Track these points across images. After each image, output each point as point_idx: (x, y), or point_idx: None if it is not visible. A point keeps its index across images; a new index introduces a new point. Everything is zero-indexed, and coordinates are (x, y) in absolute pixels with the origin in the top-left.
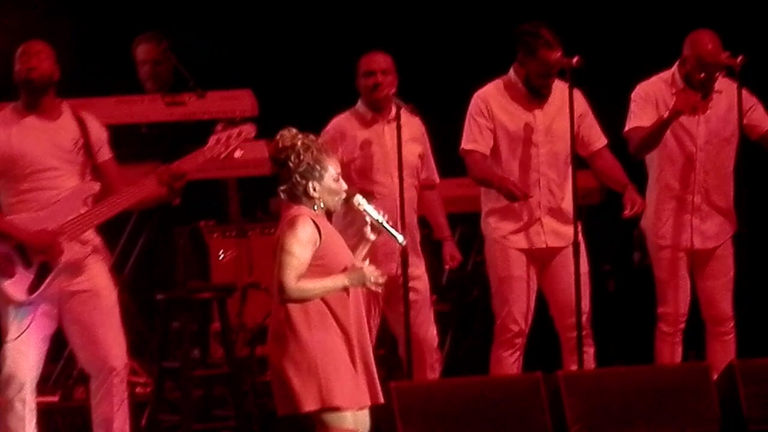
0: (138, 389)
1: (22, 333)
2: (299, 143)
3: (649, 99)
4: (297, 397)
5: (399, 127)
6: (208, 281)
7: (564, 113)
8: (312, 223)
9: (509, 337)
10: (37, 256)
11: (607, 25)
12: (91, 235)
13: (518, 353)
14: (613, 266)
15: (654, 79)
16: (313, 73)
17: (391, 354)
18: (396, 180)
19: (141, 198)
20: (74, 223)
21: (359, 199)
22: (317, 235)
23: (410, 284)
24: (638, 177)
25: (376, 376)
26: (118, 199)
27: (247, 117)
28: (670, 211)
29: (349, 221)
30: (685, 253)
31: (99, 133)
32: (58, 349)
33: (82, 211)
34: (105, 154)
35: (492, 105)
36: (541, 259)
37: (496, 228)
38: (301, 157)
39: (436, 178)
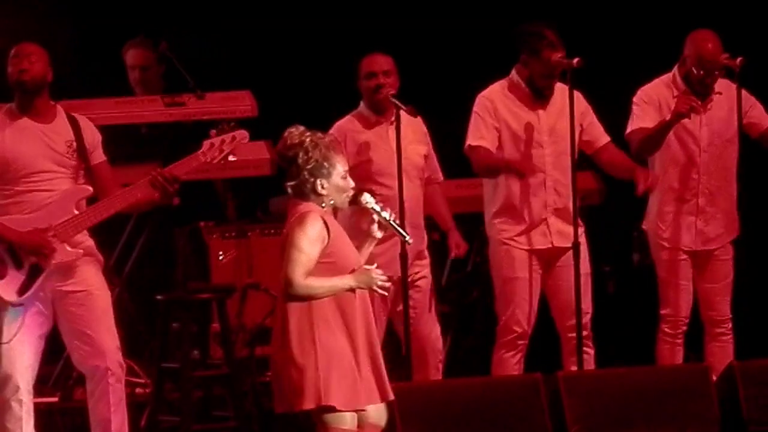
0: (138, 390)
1: (14, 336)
2: (308, 140)
3: (651, 101)
4: (294, 395)
5: (398, 129)
6: (207, 282)
7: (566, 114)
8: (321, 220)
9: (512, 338)
10: (28, 258)
11: (608, 26)
12: (83, 238)
13: (520, 355)
14: (612, 267)
15: (655, 82)
16: (313, 73)
17: (395, 353)
18: (403, 181)
19: (133, 201)
20: (66, 226)
21: (367, 197)
22: (326, 233)
23: (416, 283)
24: None
25: (384, 374)
26: (110, 202)
27: (246, 118)
28: (673, 213)
29: (354, 222)
30: (688, 255)
31: (93, 136)
32: (57, 350)
33: (74, 214)
34: (98, 156)
35: (497, 105)
36: (546, 259)
37: (502, 230)
38: (310, 154)
39: (440, 176)
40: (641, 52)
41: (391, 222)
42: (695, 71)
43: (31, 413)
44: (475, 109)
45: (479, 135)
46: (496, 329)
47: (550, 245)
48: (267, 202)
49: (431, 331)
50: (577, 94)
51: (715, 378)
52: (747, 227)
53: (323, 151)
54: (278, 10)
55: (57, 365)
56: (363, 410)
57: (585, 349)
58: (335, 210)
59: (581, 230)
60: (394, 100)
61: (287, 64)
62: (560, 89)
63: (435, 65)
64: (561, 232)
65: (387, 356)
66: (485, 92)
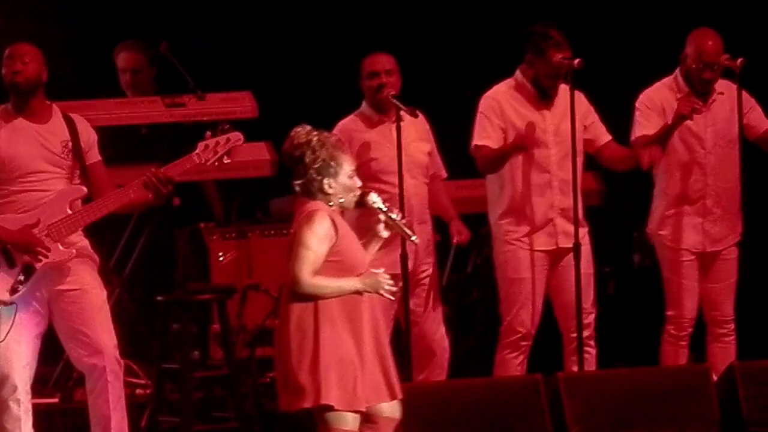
0: (138, 390)
1: (6, 335)
2: (314, 140)
3: (653, 106)
4: (294, 394)
5: (399, 129)
6: (207, 283)
7: (569, 114)
8: (329, 218)
9: (515, 339)
10: (21, 257)
11: (609, 26)
12: (78, 238)
13: (523, 356)
14: (613, 268)
15: (657, 85)
16: (313, 74)
17: (403, 352)
18: (406, 180)
19: (126, 202)
20: (59, 225)
21: (373, 197)
22: (333, 231)
23: (422, 281)
24: (640, 178)
25: (394, 372)
26: (103, 202)
27: (247, 119)
28: (680, 215)
29: (361, 220)
30: (695, 256)
31: (88, 136)
32: (57, 351)
33: (68, 214)
34: (94, 156)
35: (503, 105)
36: (551, 259)
37: (508, 231)
38: (317, 153)
39: (444, 173)
40: (643, 52)
41: (398, 222)
42: (695, 68)
43: (30, 413)
44: (480, 109)
45: (485, 135)
46: (500, 329)
47: (555, 246)
48: (267, 203)
49: (437, 329)
50: (579, 94)
51: (716, 379)
52: (747, 228)
53: (330, 151)
54: (278, 10)
55: (57, 366)
56: (363, 411)
57: (587, 349)
58: (342, 209)
59: (585, 230)
60: (394, 100)
61: (287, 65)
62: (564, 90)
63: (436, 65)
64: (567, 233)
65: (395, 355)
66: (490, 92)
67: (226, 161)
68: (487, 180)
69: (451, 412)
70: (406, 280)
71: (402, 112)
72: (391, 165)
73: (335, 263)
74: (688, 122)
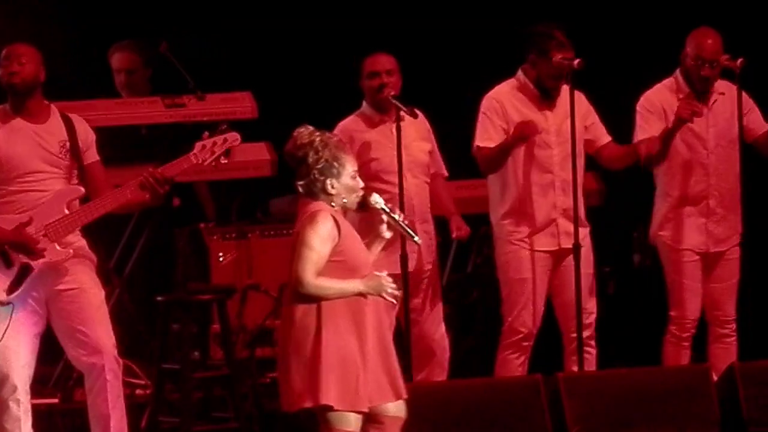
0: (138, 391)
1: (3, 335)
2: (317, 140)
3: (654, 109)
4: (294, 394)
5: (399, 129)
6: (208, 283)
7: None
8: (332, 219)
9: (517, 339)
10: (18, 257)
11: (609, 27)
12: (75, 238)
13: (524, 357)
14: (613, 268)
15: (657, 87)
16: (313, 74)
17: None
18: (408, 180)
19: (124, 202)
20: (56, 225)
21: (376, 198)
22: (336, 232)
23: (425, 279)
24: (640, 178)
25: (398, 372)
26: (100, 202)
27: (247, 119)
28: (684, 216)
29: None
30: (699, 257)
31: (86, 136)
32: (57, 351)
33: (65, 214)
34: (92, 156)
35: (506, 105)
36: (554, 260)
37: (511, 231)
38: (320, 153)
39: (445, 172)
40: (643, 53)
41: (400, 223)
42: (694, 65)
43: (29, 413)
44: (482, 109)
45: (487, 136)
46: (502, 330)
47: (557, 246)
48: (267, 203)
49: (437, 329)
50: (579, 95)
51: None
52: (747, 228)
53: (333, 151)
54: (278, 10)
55: (57, 366)
56: (366, 411)
57: (588, 349)
58: (345, 210)
59: (587, 230)
60: (394, 100)
61: (287, 65)
62: (567, 90)
63: (436, 65)
64: (569, 233)
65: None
66: (493, 92)
67: (223, 161)
68: (489, 180)
69: (451, 412)
70: (406, 280)
71: (402, 113)
72: (392, 165)
73: (338, 263)
74: (690, 123)
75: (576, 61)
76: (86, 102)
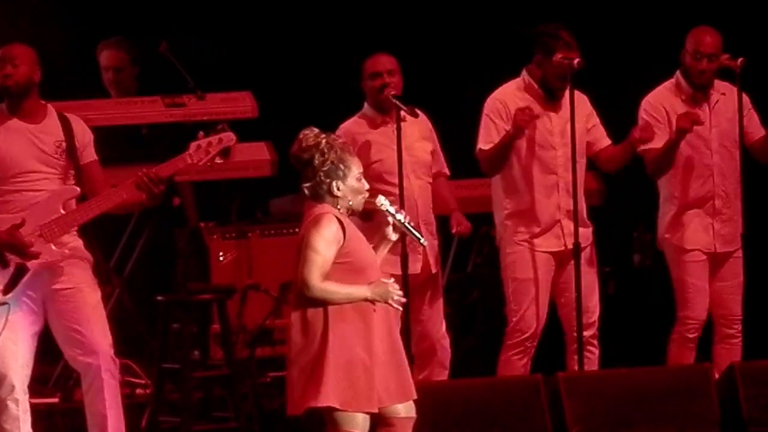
0: (138, 390)
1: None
2: (323, 142)
3: (658, 114)
4: (303, 394)
5: (399, 129)
6: (208, 283)
7: (576, 115)
8: (337, 221)
9: (521, 340)
10: (14, 257)
11: (609, 27)
12: (71, 238)
13: (527, 358)
14: (613, 268)
15: (659, 89)
16: (313, 74)
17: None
18: (411, 180)
19: (119, 202)
20: (52, 225)
21: (381, 200)
22: (341, 234)
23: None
24: (640, 178)
25: (408, 373)
26: (96, 202)
27: (247, 118)
28: (691, 217)
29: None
30: (707, 257)
31: (83, 135)
32: (57, 350)
33: (61, 214)
34: (89, 156)
35: (510, 107)
36: (558, 260)
37: (515, 232)
38: (326, 156)
39: (447, 171)
40: (644, 54)
41: (406, 224)
42: (693, 60)
43: (28, 413)
44: (485, 111)
45: (489, 139)
46: (506, 330)
47: (563, 247)
48: (267, 203)
49: (439, 328)
50: (583, 97)
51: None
52: (748, 228)
53: (339, 153)
54: (278, 10)
55: (57, 366)
56: (375, 412)
57: (591, 348)
58: (350, 212)
59: (590, 230)
60: (394, 100)
61: (287, 65)
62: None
63: (437, 65)
64: (573, 234)
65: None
66: (497, 93)
67: (218, 161)
68: (493, 181)
69: (450, 412)
70: (406, 280)
71: (402, 112)
72: (394, 165)
73: (345, 265)
74: (690, 132)
75: (576, 61)
76: (86, 101)
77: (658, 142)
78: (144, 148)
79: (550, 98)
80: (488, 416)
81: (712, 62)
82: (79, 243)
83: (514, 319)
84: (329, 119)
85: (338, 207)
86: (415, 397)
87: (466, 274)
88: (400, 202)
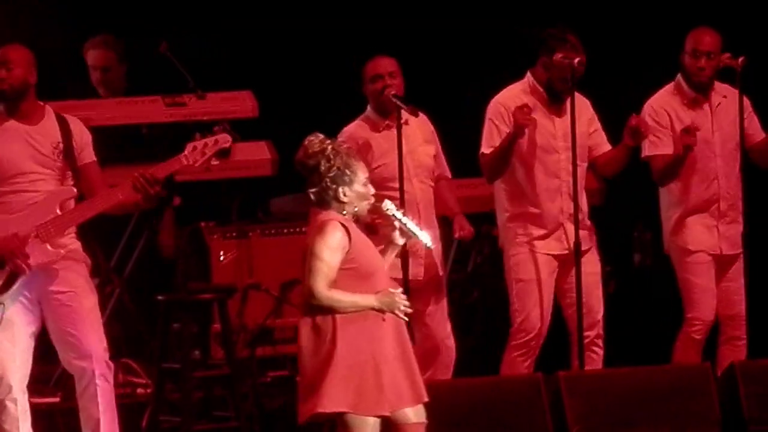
0: (138, 390)
1: None
2: (329, 148)
3: (661, 119)
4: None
5: (399, 128)
6: (208, 282)
7: (580, 120)
8: (341, 227)
9: (525, 340)
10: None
11: (609, 28)
12: (69, 240)
13: (531, 359)
14: (613, 268)
15: (660, 93)
16: (313, 74)
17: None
18: (414, 184)
19: (115, 203)
20: (48, 226)
21: (388, 204)
22: (347, 240)
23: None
24: (640, 178)
25: (418, 376)
26: (92, 203)
27: (247, 118)
28: (696, 219)
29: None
30: (713, 259)
31: (81, 136)
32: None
33: (57, 214)
34: (87, 157)
35: (513, 110)
36: (562, 263)
37: (519, 233)
38: (332, 162)
39: (449, 173)
40: (645, 55)
41: (413, 228)
42: (692, 59)
43: (28, 413)
44: (488, 115)
45: (492, 143)
46: (510, 331)
47: (565, 251)
48: (268, 202)
49: (444, 328)
50: (585, 101)
51: None
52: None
53: (344, 159)
54: (278, 10)
55: (58, 366)
56: (387, 415)
57: (595, 349)
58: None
59: (592, 233)
60: (395, 99)
61: (288, 64)
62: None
63: (437, 65)
64: (574, 235)
65: None
66: (501, 97)
67: (214, 163)
68: (496, 184)
69: (451, 411)
70: (406, 281)
71: (404, 112)
72: (397, 169)
73: (351, 271)
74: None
75: (576, 60)
76: (87, 102)
77: (663, 149)
78: (144, 148)
79: (554, 101)
80: (489, 415)
81: (710, 60)
82: (77, 245)
83: (518, 320)
84: (329, 119)
85: (344, 212)
86: (426, 399)
87: (467, 274)
88: (402, 206)
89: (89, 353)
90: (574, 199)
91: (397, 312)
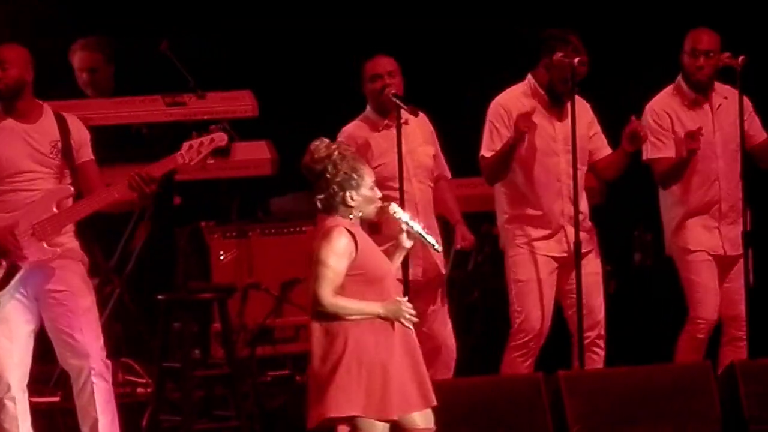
0: (139, 389)
1: None
2: (335, 153)
3: (663, 121)
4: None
5: (399, 128)
6: (208, 282)
7: (580, 122)
8: (347, 233)
9: (525, 341)
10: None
11: (610, 29)
12: (67, 239)
13: (531, 360)
14: (613, 267)
15: (661, 95)
16: (313, 73)
17: None
18: (413, 184)
19: (111, 201)
20: (44, 224)
21: (394, 207)
22: (353, 246)
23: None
24: (640, 178)
25: (427, 380)
26: (88, 201)
27: (247, 117)
28: (698, 220)
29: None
30: (714, 259)
31: (79, 135)
32: None
33: (53, 212)
34: (85, 155)
35: (513, 113)
36: (563, 265)
37: (518, 234)
38: (339, 167)
39: (448, 174)
40: (645, 56)
41: (420, 231)
42: (690, 59)
43: (27, 412)
44: (489, 117)
45: (492, 147)
46: (510, 331)
47: (566, 253)
48: (268, 202)
49: (445, 328)
50: (585, 104)
51: None
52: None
53: (351, 163)
54: (278, 10)
55: (57, 365)
56: (395, 419)
57: (596, 350)
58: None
59: (593, 234)
60: (395, 98)
61: (287, 64)
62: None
63: (437, 65)
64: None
65: None
66: (501, 99)
67: (210, 162)
68: (496, 186)
69: (451, 411)
70: (406, 281)
71: (403, 112)
72: (397, 169)
73: (359, 276)
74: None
75: (576, 60)
76: (86, 101)
77: (665, 151)
78: (144, 147)
79: (555, 104)
80: (489, 415)
81: (709, 59)
82: (74, 244)
83: (518, 321)
84: (329, 119)
85: (350, 217)
86: (435, 403)
87: (467, 273)
88: (401, 206)
89: (86, 352)
90: (575, 202)
91: (402, 320)
